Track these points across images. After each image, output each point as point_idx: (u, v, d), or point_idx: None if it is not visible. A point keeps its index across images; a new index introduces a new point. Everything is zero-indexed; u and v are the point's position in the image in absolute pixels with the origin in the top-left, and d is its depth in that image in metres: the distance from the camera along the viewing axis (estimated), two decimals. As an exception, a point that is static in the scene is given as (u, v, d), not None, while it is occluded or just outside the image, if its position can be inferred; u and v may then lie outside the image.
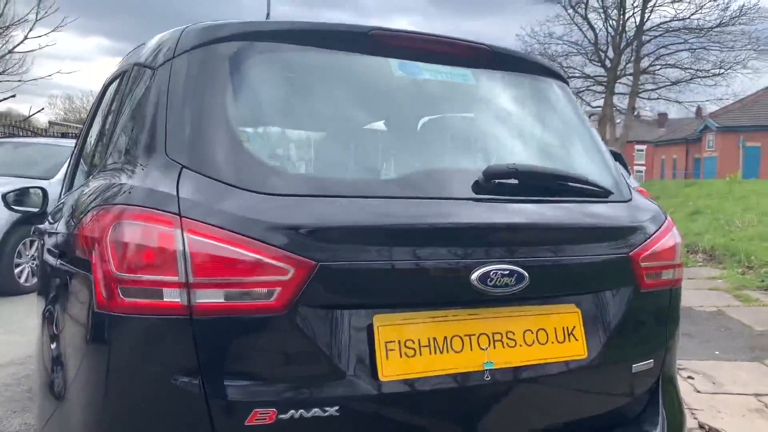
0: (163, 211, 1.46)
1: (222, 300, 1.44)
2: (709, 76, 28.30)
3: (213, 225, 1.45)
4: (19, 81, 24.33)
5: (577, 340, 1.82)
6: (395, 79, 1.90)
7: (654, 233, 2.01)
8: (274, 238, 1.47)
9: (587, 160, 2.13)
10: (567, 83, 2.31)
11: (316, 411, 1.50)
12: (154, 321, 1.43)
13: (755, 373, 4.38)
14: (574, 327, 1.83)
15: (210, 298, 1.43)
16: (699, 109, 42.99)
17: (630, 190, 2.13)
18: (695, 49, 28.18)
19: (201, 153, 1.58)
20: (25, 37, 24.70)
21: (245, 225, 1.46)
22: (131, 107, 1.92)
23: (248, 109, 1.74)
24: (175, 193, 1.48)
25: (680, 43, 28.60)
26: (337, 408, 1.52)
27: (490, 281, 1.65)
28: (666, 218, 2.12)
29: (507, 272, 1.67)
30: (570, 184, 1.91)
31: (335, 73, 1.88)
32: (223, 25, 1.81)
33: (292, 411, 1.48)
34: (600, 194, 1.97)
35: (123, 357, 1.45)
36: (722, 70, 27.98)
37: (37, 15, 23.78)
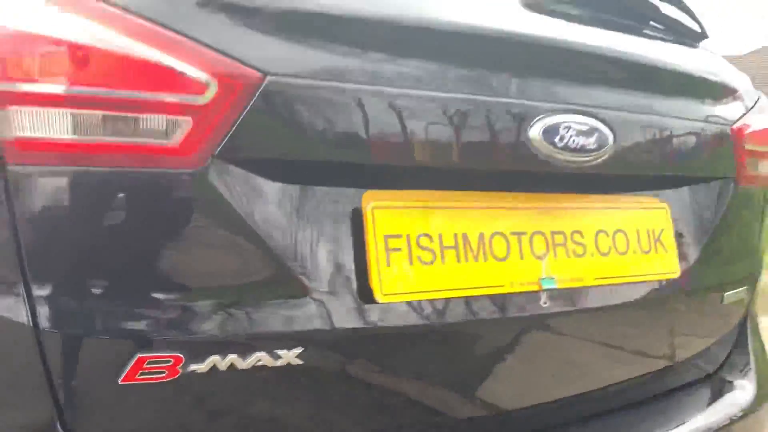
0: None
1: (68, 135, 0.70)
2: None
3: None
4: None
5: (666, 250, 1.17)
6: None
7: (751, 108, 1.38)
8: (184, 22, 0.74)
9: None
10: None
11: (259, 357, 0.79)
12: None
13: None
14: (663, 230, 1.18)
15: (41, 129, 0.69)
16: None
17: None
18: None
19: None
20: None
21: None
22: None
23: None
24: None
25: None
26: (298, 352, 0.81)
27: (561, 140, 0.97)
28: (759, 96, 1.49)
29: (585, 128, 1.00)
30: (666, 14, 1.24)
31: None
32: None
33: (214, 357, 0.77)
34: (698, 36, 1.32)
35: None
36: None
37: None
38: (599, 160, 1.02)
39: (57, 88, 0.70)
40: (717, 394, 1.35)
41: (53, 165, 0.71)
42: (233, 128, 0.76)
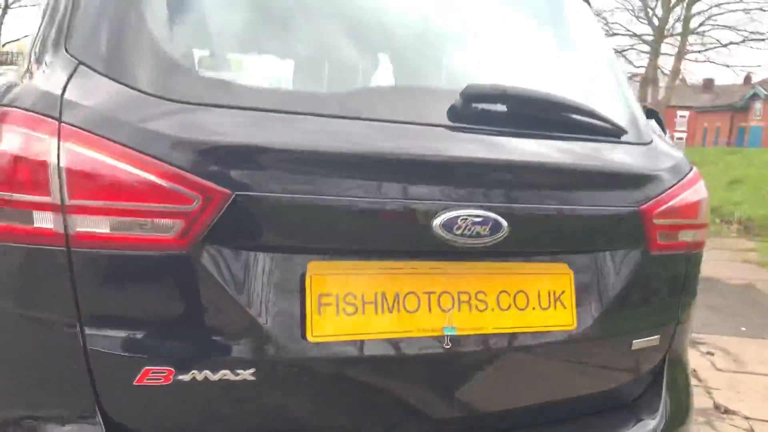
0: (38, 113, 1.16)
1: (107, 230, 1.15)
2: (763, 39, 26.92)
3: (99, 135, 1.14)
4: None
5: (565, 307, 1.50)
6: None
7: (674, 185, 1.65)
8: (179, 157, 1.17)
9: (599, 90, 1.76)
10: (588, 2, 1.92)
11: (225, 373, 1.21)
12: (22, 251, 1.15)
13: (783, 354, 4.03)
14: (564, 292, 1.50)
15: (92, 226, 1.14)
16: (748, 76, 41.25)
17: (650, 132, 1.77)
18: (751, 10, 26.77)
19: (103, 46, 1.26)
20: None
21: (143, 137, 1.16)
22: None
23: None
24: (59, 92, 1.18)
25: (735, 2, 27.16)
26: (252, 371, 1.23)
27: (458, 229, 1.32)
28: (691, 169, 1.75)
29: (480, 219, 1.34)
30: (573, 116, 1.54)
31: None
32: None
33: (194, 371, 1.20)
34: (611, 132, 1.61)
35: None
36: (779, 34, 26.60)
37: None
38: (495, 242, 1.36)
39: (102, 203, 1.14)
40: (622, 425, 1.65)
41: (107, 249, 1.15)
42: (211, 226, 1.18)
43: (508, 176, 1.41)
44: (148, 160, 1.15)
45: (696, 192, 1.70)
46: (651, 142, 1.71)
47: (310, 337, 1.25)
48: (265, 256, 1.24)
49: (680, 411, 1.75)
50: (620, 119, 1.66)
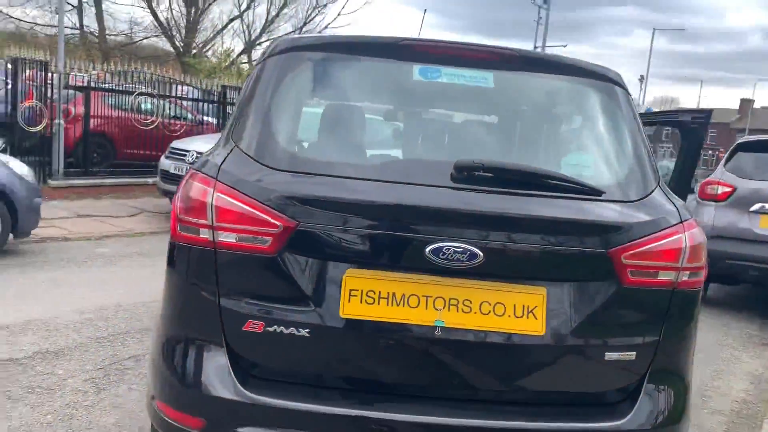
0: (206, 174, 2.13)
1: (234, 240, 2.07)
2: None
3: (232, 187, 2.07)
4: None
5: (536, 318, 2.08)
6: (414, 80, 2.30)
7: (649, 234, 2.12)
8: (271, 202, 2.05)
9: (597, 162, 2.28)
10: (612, 83, 2.41)
11: (292, 330, 2.06)
12: (193, 249, 2.12)
13: None
14: (536, 307, 2.08)
15: (227, 237, 2.07)
16: None
17: (646, 191, 2.22)
18: None
19: (247, 137, 2.21)
20: (339, 14, 28.19)
21: (255, 189, 2.06)
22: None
23: (287, 102, 2.30)
24: (219, 163, 2.14)
25: None
26: (307, 330, 2.06)
27: (443, 255, 2.01)
28: (678, 222, 2.17)
29: (460, 250, 2.01)
30: (549, 181, 2.12)
31: (360, 75, 2.35)
32: (298, 38, 2.40)
33: (275, 326, 2.06)
34: (588, 193, 2.14)
35: (176, 273, 2.18)
36: None
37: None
38: (473, 266, 2.01)
39: (232, 225, 2.06)
40: (590, 419, 2.13)
41: (234, 251, 2.07)
42: (286, 242, 2.03)
43: (483, 221, 2.05)
44: (256, 203, 2.05)
45: (675, 242, 2.14)
46: (639, 200, 2.18)
47: (342, 315, 2.04)
48: (320, 262, 2.07)
49: (650, 418, 2.16)
50: (602, 183, 2.17)
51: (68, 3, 27.11)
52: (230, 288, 2.10)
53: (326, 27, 32.41)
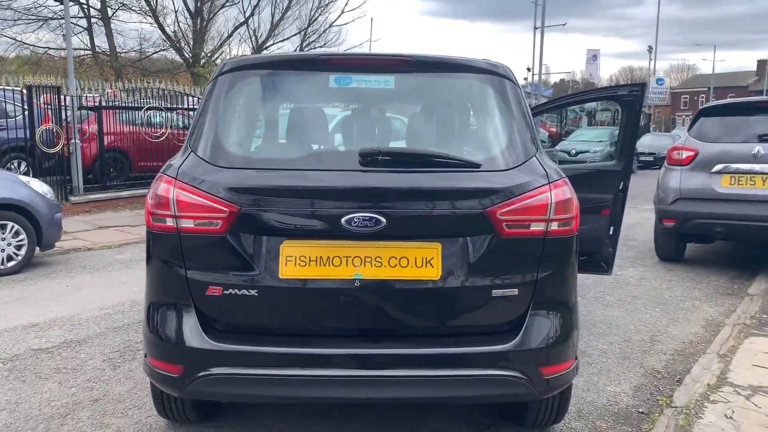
0: (168, 175, 2.71)
1: (193, 225, 2.65)
2: None
3: (188, 184, 2.66)
4: (337, 51, 28.51)
5: (432, 267, 2.64)
6: (331, 87, 2.87)
7: (519, 194, 2.66)
8: (218, 193, 2.63)
9: (481, 143, 2.83)
10: (500, 76, 2.94)
11: (244, 291, 2.64)
12: (163, 235, 2.71)
13: None
14: (432, 258, 2.64)
15: (187, 223, 2.66)
16: None
17: (526, 161, 2.75)
18: None
19: (200, 142, 2.79)
20: (342, 11, 28.82)
21: (205, 185, 2.65)
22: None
23: (231, 113, 2.88)
24: (178, 166, 2.73)
25: None
26: (255, 291, 2.64)
27: (354, 223, 2.58)
28: (545, 184, 2.70)
29: (367, 218, 2.58)
30: (434, 159, 2.69)
31: (290, 85, 2.93)
32: (237, 59, 2.98)
33: (230, 290, 2.64)
34: (467, 165, 2.70)
35: (153, 253, 2.78)
36: None
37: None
38: (378, 229, 2.57)
39: (189, 214, 2.65)
40: (488, 342, 2.68)
41: (193, 233, 2.66)
42: (233, 222, 2.61)
43: (384, 194, 2.61)
44: (207, 195, 2.63)
45: (542, 199, 2.67)
46: (513, 168, 2.72)
47: (280, 276, 2.62)
48: (261, 237, 2.64)
49: (534, 340, 2.70)
50: (479, 158, 2.73)
51: (78, 25, 28.14)
52: (194, 262, 2.69)
53: (331, 25, 33.06)
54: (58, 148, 11.46)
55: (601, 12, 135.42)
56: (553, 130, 27.10)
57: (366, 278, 2.63)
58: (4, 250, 7.03)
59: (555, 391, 2.88)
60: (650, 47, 45.48)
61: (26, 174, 11.33)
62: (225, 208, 2.62)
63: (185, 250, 2.68)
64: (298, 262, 2.64)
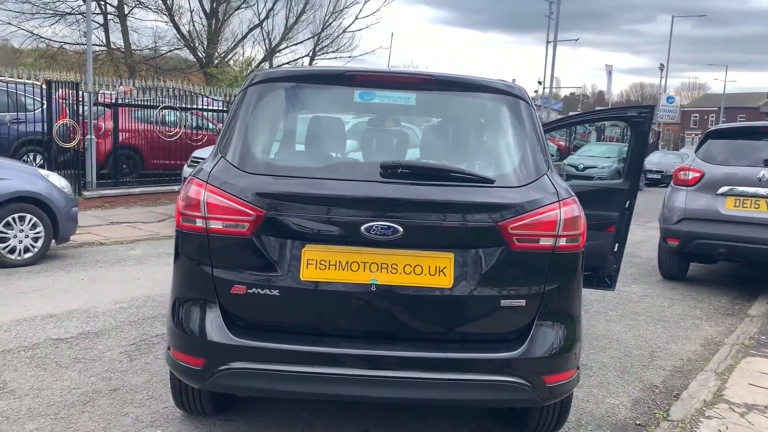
0: (199, 179, 2.87)
1: (221, 226, 2.81)
2: None
3: (218, 188, 2.81)
4: (350, 57, 28.77)
5: (445, 276, 2.78)
6: (355, 102, 3.03)
7: (530, 210, 2.80)
8: (246, 197, 2.78)
9: (495, 160, 2.98)
10: (515, 97, 3.10)
11: (266, 291, 2.79)
12: (192, 235, 2.87)
13: None
14: (445, 267, 2.79)
15: (215, 225, 2.81)
16: None
17: (538, 179, 2.90)
18: None
19: (230, 149, 2.95)
20: (356, 18, 29.16)
21: (234, 189, 2.80)
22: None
23: (260, 122, 3.04)
24: (209, 170, 2.89)
25: None
26: (277, 291, 2.79)
27: (373, 231, 2.73)
28: (555, 201, 2.85)
29: (385, 226, 2.73)
30: (451, 174, 2.84)
31: (316, 98, 3.09)
32: (267, 72, 3.14)
33: (254, 289, 2.80)
34: (482, 181, 2.85)
35: (182, 251, 2.93)
36: None
37: (366, -5, 27.98)
38: (396, 237, 2.72)
39: (218, 215, 2.80)
40: (495, 349, 2.82)
41: (221, 234, 2.81)
42: (259, 226, 2.77)
43: (402, 205, 2.76)
44: (236, 199, 2.79)
45: (551, 216, 2.82)
46: (525, 185, 2.87)
47: (302, 278, 2.77)
48: (285, 241, 2.80)
49: (539, 349, 2.84)
50: (495, 174, 2.88)
51: (94, 21, 28.45)
52: (220, 261, 2.84)
53: (344, 31, 33.27)
54: (73, 143, 11.66)
55: (613, 27, 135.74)
56: (562, 144, 27.25)
57: (381, 283, 2.78)
58: (21, 241, 7.20)
59: (556, 399, 3.02)
60: (662, 65, 45.61)
61: (42, 167, 11.55)
62: (252, 212, 2.77)
63: (213, 250, 2.83)
64: (319, 265, 2.79)
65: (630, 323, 5.94)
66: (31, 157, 12.19)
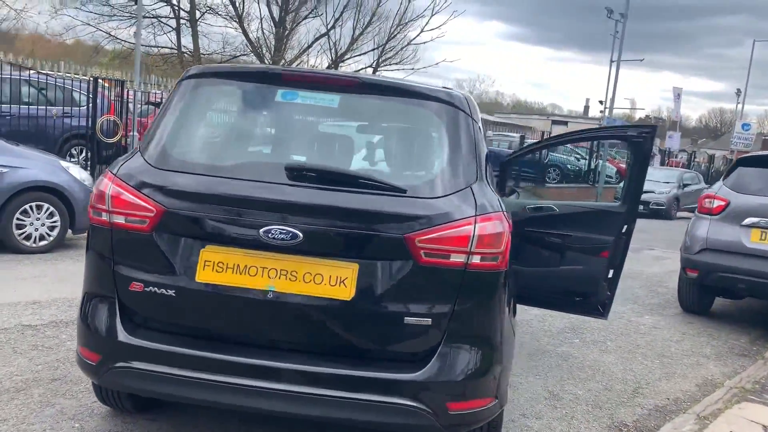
0: (110, 172, 2.83)
1: (123, 221, 2.76)
2: None
3: (124, 182, 2.76)
4: (412, 69, 28.77)
5: (346, 287, 2.64)
6: (277, 101, 2.93)
7: (440, 224, 2.62)
8: (148, 193, 2.72)
9: (413, 169, 2.82)
10: (449, 105, 2.92)
11: (163, 290, 2.72)
12: (98, 228, 2.83)
13: None
14: (347, 278, 2.64)
15: (118, 219, 2.76)
16: None
17: (459, 191, 2.71)
18: None
19: (146, 142, 2.90)
20: (422, 30, 29.15)
21: (138, 183, 2.75)
22: None
23: (182, 116, 2.97)
24: (121, 163, 2.84)
25: None
26: (173, 291, 2.71)
27: (271, 235, 2.61)
28: (471, 216, 2.65)
29: (284, 231, 2.61)
30: (359, 180, 2.69)
31: (240, 96, 3.00)
32: (201, 66, 3.08)
33: (151, 287, 2.73)
34: (392, 190, 2.68)
35: (90, 245, 2.90)
36: None
37: (432, 10, 27.93)
38: (294, 243, 2.60)
39: (122, 210, 2.75)
40: (394, 368, 2.65)
41: (123, 229, 2.76)
42: (159, 222, 2.70)
43: (303, 209, 2.63)
44: (138, 193, 2.73)
45: (464, 231, 2.63)
46: (441, 197, 2.69)
47: (198, 279, 2.68)
48: (184, 239, 2.71)
49: (444, 373, 2.65)
50: (409, 184, 2.71)
51: (168, 25, 29.55)
52: (120, 257, 2.79)
53: (409, 43, 33.27)
54: (116, 139, 12.02)
55: (697, 51, 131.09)
56: (623, 166, 26.33)
57: (279, 291, 2.66)
58: (37, 229, 7.43)
59: (463, 429, 2.81)
60: (738, 90, 43.73)
61: (86, 161, 11.97)
62: (153, 208, 2.71)
63: (114, 245, 2.78)
64: (216, 267, 2.69)
65: (626, 356, 5.58)
66: (77, 151, 12.67)
